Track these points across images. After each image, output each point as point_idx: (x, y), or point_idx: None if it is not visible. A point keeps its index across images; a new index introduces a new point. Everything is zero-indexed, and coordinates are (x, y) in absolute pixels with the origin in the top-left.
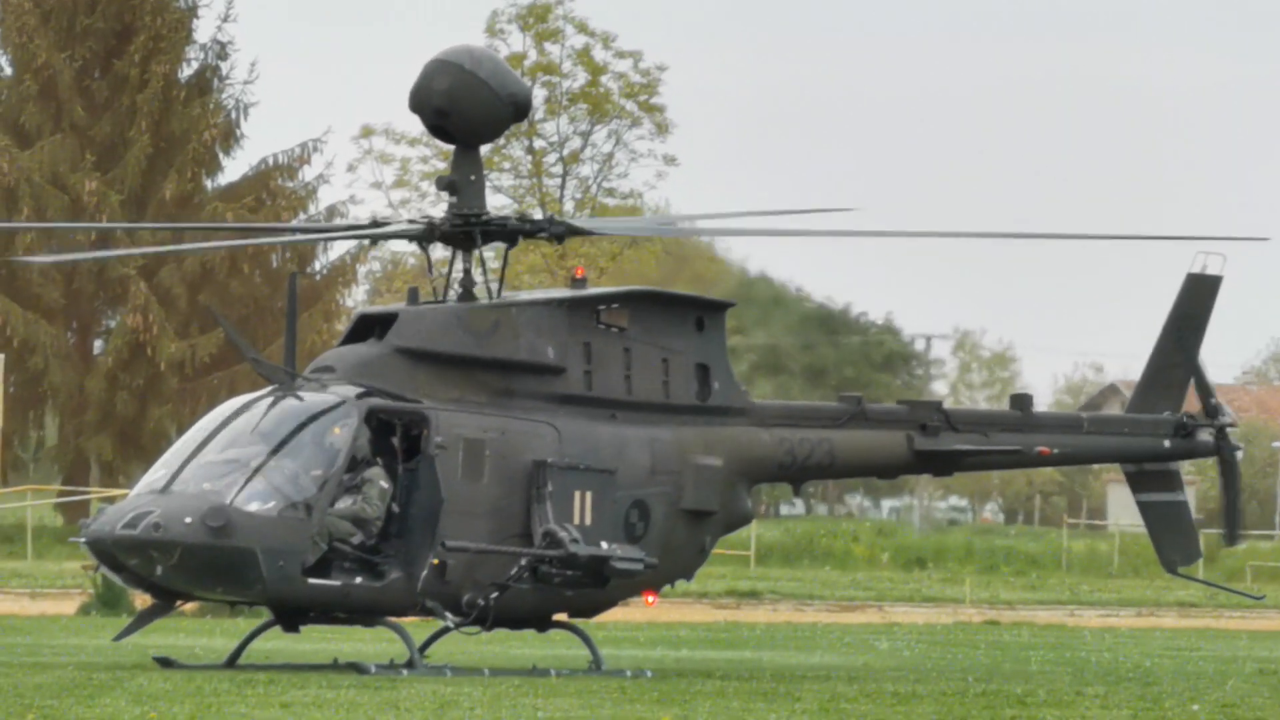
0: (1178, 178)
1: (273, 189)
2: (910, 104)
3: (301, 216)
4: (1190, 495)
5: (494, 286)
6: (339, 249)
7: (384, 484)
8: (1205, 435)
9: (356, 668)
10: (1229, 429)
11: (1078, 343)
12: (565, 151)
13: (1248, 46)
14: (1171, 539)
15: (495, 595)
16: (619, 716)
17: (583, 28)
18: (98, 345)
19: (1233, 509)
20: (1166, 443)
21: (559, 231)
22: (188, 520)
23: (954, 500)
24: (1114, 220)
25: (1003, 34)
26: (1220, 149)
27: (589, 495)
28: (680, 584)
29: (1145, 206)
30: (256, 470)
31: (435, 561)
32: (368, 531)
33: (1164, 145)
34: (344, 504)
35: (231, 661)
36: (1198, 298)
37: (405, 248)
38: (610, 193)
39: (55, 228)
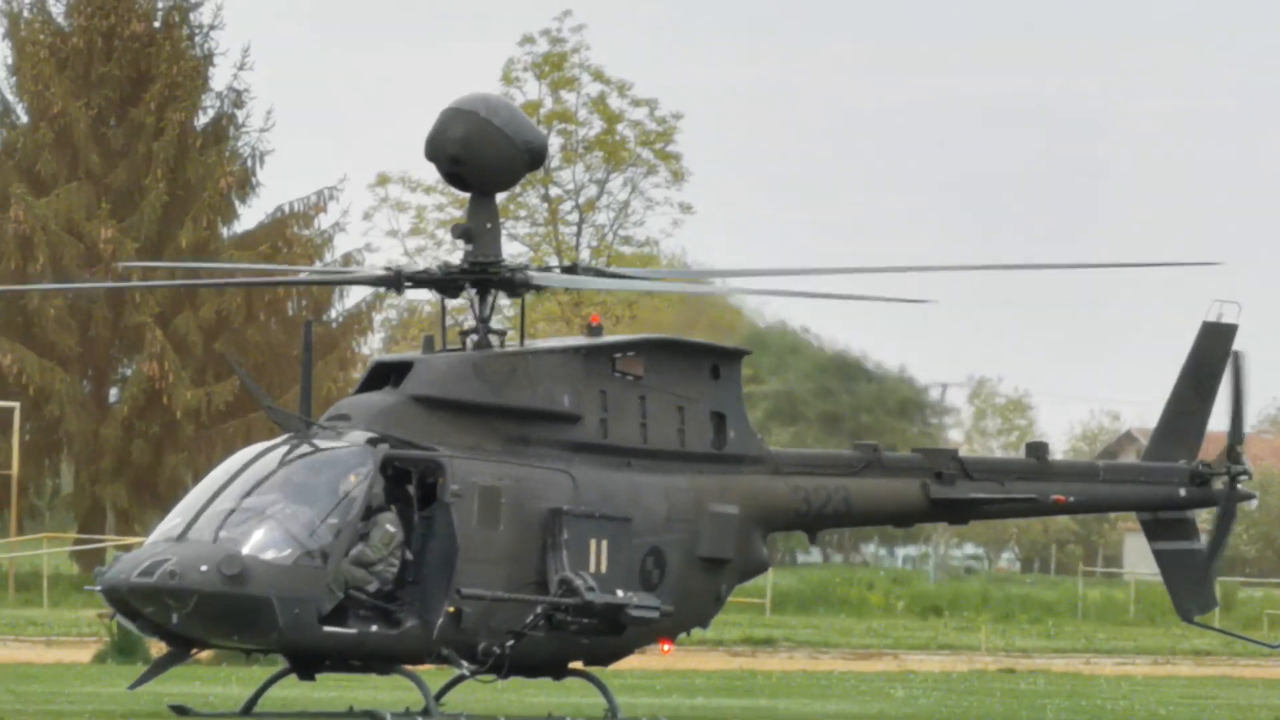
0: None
1: (288, 237)
2: (926, 151)
3: (317, 264)
4: (1206, 544)
5: (490, 337)
6: (355, 297)
7: (390, 528)
8: (1220, 484)
9: (372, 716)
10: (1243, 477)
11: (1094, 390)
12: (581, 199)
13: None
14: (1187, 587)
15: (511, 643)
16: None
17: (599, 75)
18: (113, 393)
19: (1211, 563)
20: (1182, 491)
21: (520, 281)
22: (203, 568)
23: (970, 548)
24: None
25: (1012, 69)
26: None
27: (605, 543)
28: (696, 632)
29: (1157, 242)
30: (272, 518)
31: (451, 609)
32: (381, 577)
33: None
34: (365, 545)
35: (247, 710)
36: (1213, 346)
37: (422, 295)
38: (626, 240)
39: (70, 288)
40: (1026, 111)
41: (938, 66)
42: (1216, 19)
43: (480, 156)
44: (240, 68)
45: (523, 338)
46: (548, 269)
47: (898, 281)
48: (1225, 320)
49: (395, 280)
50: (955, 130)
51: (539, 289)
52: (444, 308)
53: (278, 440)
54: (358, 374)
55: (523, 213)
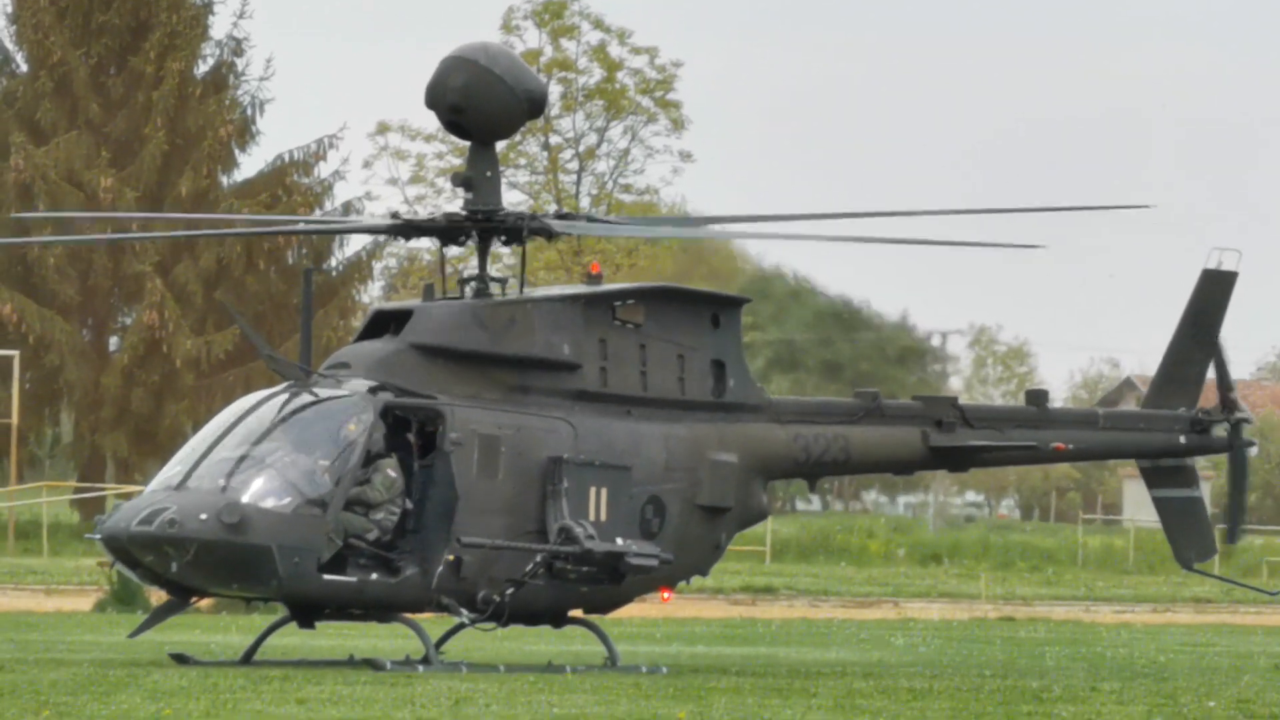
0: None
1: (288, 185)
2: (926, 98)
3: (317, 212)
4: (1206, 491)
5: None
6: (355, 245)
7: (391, 473)
8: (1220, 431)
9: (372, 664)
10: (1244, 424)
11: (1094, 338)
12: (581, 148)
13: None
14: (1187, 535)
15: (511, 591)
16: (634, 713)
17: (598, 24)
18: (113, 342)
19: (1237, 505)
20: (1182, 439)
21: (535, 228)
22: (203, 516)
23: (970, 496)
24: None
25: (1018, 27)
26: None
27: (604, 491)
28: (696, 580)
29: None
30: (271, 467)
31: (451, 558)
32: (381, 525)
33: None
34: (364, 493)
35: (247, 658)
36: (1213, 294)
37: (423, 244)
38: (626, 189)
39: (67, 216)
40: (1033, 58)
41: (949, 8)
42: None
43: (480, 105)
44: (240, 16)
45: (523, 285)
46: (566, 215)
47: (897, 226)
48: (1225, 268)
49: (405, 229)
50: (960, 77)
51: (553, 235)
52: (443, 255)
53: (277, 389)
54: (357, 322)
55: (522, 161)
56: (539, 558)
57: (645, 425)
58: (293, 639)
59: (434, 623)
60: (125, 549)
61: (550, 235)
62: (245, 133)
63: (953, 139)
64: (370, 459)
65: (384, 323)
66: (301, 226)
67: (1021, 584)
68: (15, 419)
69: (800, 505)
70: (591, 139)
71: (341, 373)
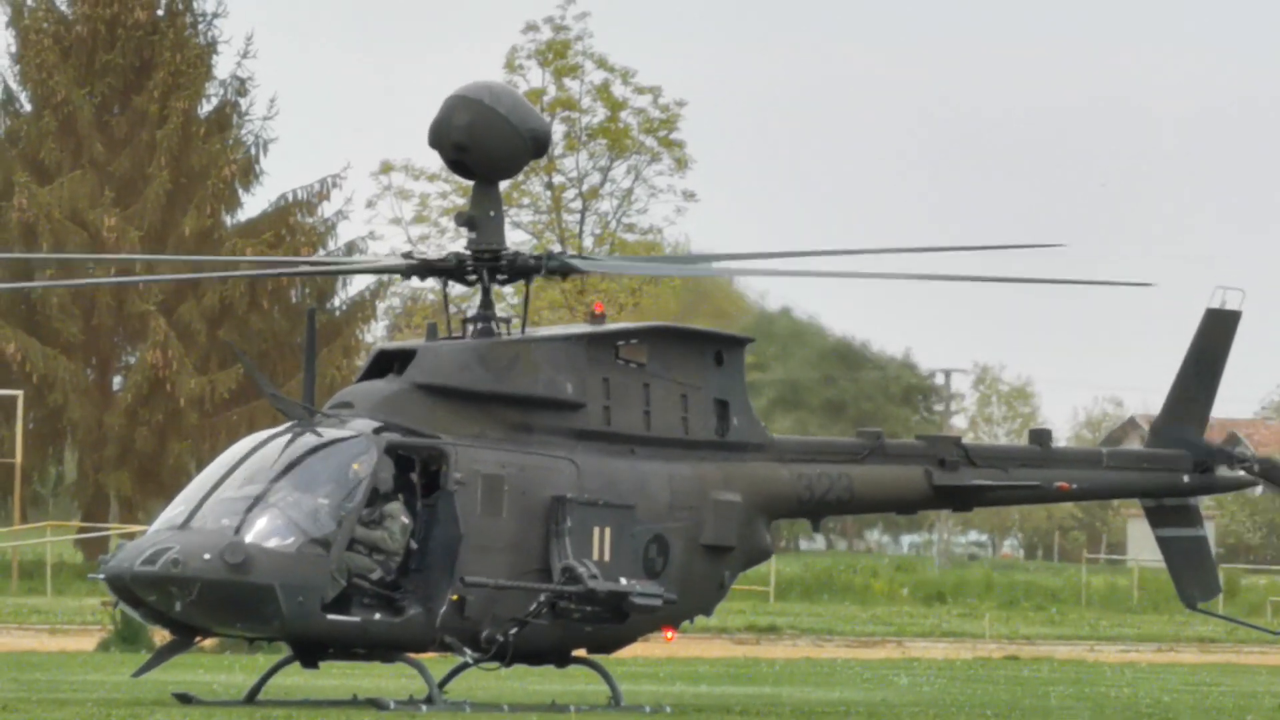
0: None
1: (292, 225)
2: (928, 135)
3: (321, 252)
4: (1210, 530)
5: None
6: (359, 285)
7: (405, 519)
8: (1224, 470)
9: (376, 704)
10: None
11: (1097, 377)
12: (585, 187)
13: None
14: (1191, 574)
15: (514, 631)
16: None
17: (602, 63)
18: (117, 381)
19: None
20: (1186, 478)
21: (554, 268)
22: (206, 556)
23: (973, 535)
24: (1133, 252)
25: (1019, 61)
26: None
27: (608, 531)
28: (699, 619)
29: (1162, 240)
30: (275, 506)
31: (454, 597)
32: (385, 566)
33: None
34: (363, 532)
35: (251, 698)
36: (1217, 332)
37: (427, 283)
38: (630, 228)
39: (70, 259)
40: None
41: (945, 48)
42: None
43: (484, 144)
44: (244, 55)
45: (525, 325)
46: (583, 257)
47: (901, 263)
48: (1229, 307)
49: (421, 269)
50: (961, 111)
51: (576, 274)
52: (447, 295)
53: (281, 428)
54: (361, 362)
55: (526, 200)
56: (542, 597)
57: (649, 464)
58: (296, 679)
59: (437, 662)
60: (129, 589)
61: (567, 274)
62: (249, 172)
63: (955, 173)
64: (374, 499)
65: (387, 362)
66: (306, 269)
67: (1025, 623)
68: (19, 458)
69: (804, 544)
70: (595, 178)
71: (345, 412)
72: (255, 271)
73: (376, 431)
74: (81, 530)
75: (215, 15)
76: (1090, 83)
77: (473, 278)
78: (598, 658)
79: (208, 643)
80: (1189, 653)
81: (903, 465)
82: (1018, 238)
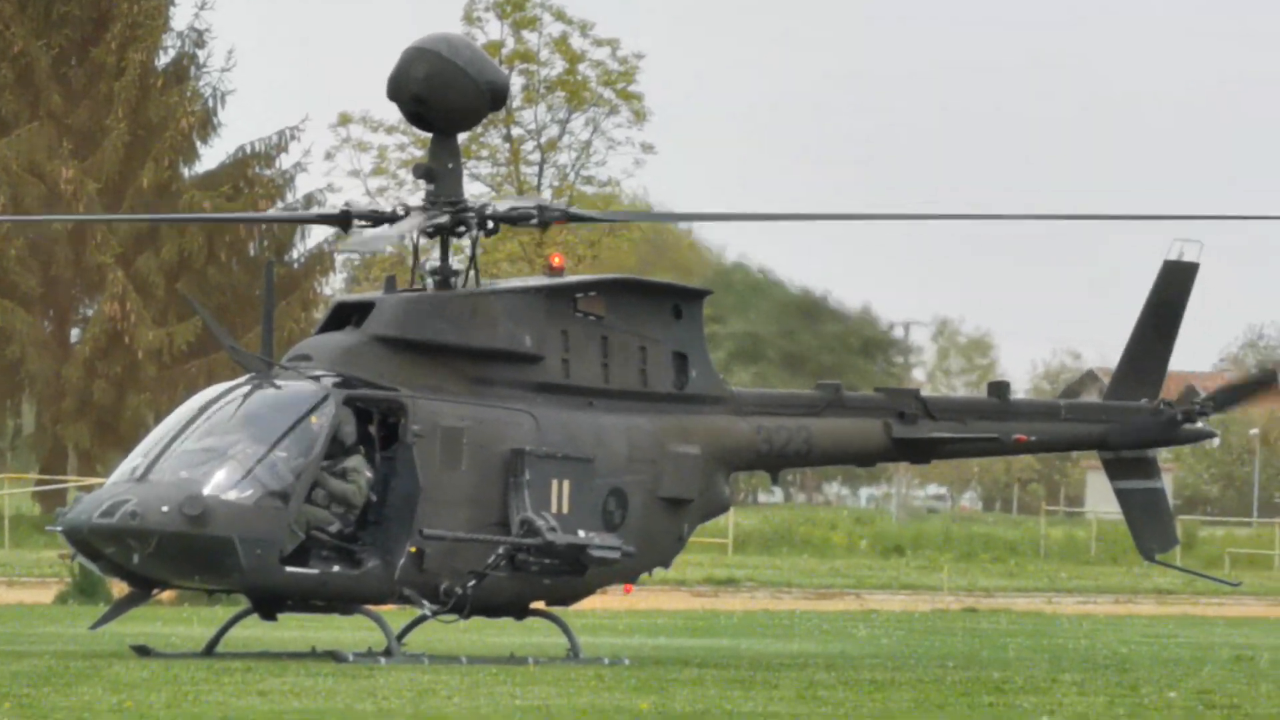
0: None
1: (250, 177)
2: (888, 89)
3: (279, 204)
4: (1167, 482)
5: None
6: (317, 237)
7: (369, 472)
8: (1185, 424)
9: (334, 656)
10: (1205, 416)
11: (1056, 329)
12: (543, 139)
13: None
14: (1149, 526)
15: (473, 583)
16: (596, 704)
17: (560, 15)
18: (75, 333)
19: None
20: (1144, 430)
21: (549, 219)
22: (164, 509)
23: (932, 488)
24: (1091, 205)
25: (984, 19)
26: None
27: (566, 483)
28: (658, 572)
29: (1124, 193)
30: (233, 459)
31: (413, 550)
32: (344, 518)
33: (1150, 130)
34: (334, 484)
35: (209, 650)
36: (1174, 284)
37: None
38: (588, 180)
39: (31, 220)
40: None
41: (919, 10)
42: None
43: (442, 96)
44: (201, 7)
45: (478, 278)
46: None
47: (859, 224)
48: (1186, 259)
49: (344, 220)
50: (926, 71)
51: (579, 219)
52: (416, 247)
53: (239, 381)
54: (319, 314)
55: (484, 153)
56: (501, 550)
57: (607, 417)
58: (254, 631)
59: (396, 615)
60: (86, 541)
61: (546, 226)
62: (207, 124)
63: (927, 133)
64: (333, 451)
65: (346, 315)
66: (273, 214)
67: (983, 575)
68: None
69: (763, 497)
70: (553, 131)
71: (303, 365)
72: (271, 216)
73: (335, 384)
74: (39, 483)
75: None
76: (1032, 45)
77: (462, 231)
78: (556, 610)
79: (166, 595)
80: (1147, 604)
81: (861, 418)
82: (975, 189)
